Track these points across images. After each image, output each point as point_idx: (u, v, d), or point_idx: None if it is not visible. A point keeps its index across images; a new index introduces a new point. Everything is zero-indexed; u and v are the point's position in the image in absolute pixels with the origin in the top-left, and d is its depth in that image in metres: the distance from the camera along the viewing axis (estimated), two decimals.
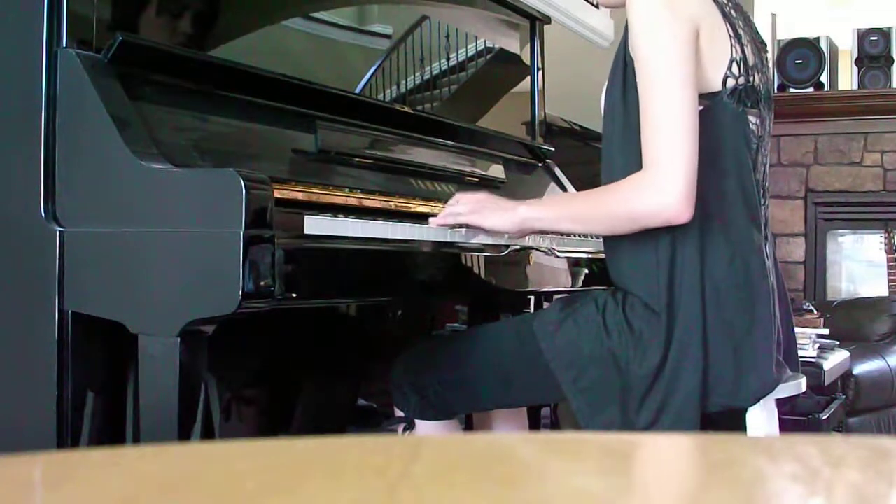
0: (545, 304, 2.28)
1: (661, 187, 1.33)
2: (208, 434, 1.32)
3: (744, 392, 1.42)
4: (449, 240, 1.53)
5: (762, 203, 1.51)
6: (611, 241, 1.50)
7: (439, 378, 1.57)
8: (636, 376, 1.40)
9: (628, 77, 1.43)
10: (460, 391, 1.57)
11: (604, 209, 1.43)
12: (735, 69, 1.43)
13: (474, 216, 1.48)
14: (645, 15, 1.37)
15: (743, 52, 1.45)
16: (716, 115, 1.43)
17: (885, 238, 4.60)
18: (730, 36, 1.44)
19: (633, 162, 1.40)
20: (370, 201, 1.54)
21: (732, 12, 1.47)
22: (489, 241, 1.59)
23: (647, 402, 1.40)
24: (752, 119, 1.48)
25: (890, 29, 5.02)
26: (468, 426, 1.89)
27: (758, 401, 1.44)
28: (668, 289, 1.40)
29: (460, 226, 1.51)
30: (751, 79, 1.46)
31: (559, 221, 1.50)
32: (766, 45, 1.57)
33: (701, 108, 1.42)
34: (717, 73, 1.42)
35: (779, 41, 5.20)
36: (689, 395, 1.38)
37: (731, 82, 1.43)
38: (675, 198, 1.32)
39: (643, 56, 1.37)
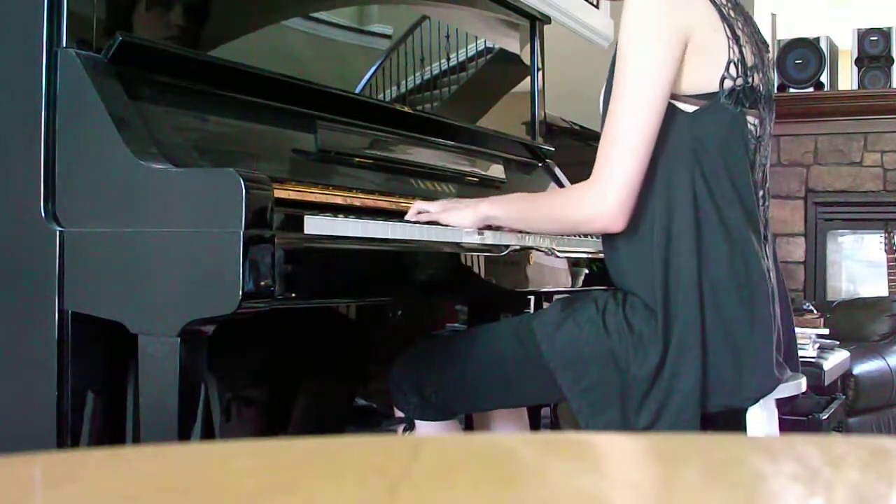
0: (545, 304, 2.28)
1: (598, 199, 1.39)
2: (208, 434, 1.32)
3: (744, 392, 1.42)
4: (449, 240, 1.53)
5: (762, 204, 1.51)
6: (609, 241, 1.51)
7: (439, 378, 1.57)
8: (636, 377, 1.40)
9: None
10: (460, 391, 1.57)
11: (545, 212, 1.53)
12: (732, 70, 1.44)
13: (441, 215, 1.54)
14: (635, 21, 1.39)
15: (741, 52, 1.45)
16: (713, 116, 1.43)
17: (885, 238, 4.60)
18: (727, 37, 1.44)
19: None
20: (370, 201, 1.54)
21: (731, 13, 1.47)
22: (488, 241, 1.60)
23: (647, 403, 1.40)
24: (750, 120, 1.48)
25: (890, 29, 5.03)
26: (468, 426, 1.89)
27: (758, 401, 1.44)
28: (664, 289, 1.40)
29: (429, 223, 1.55)
30: (749, 79, 1.46)
31: (510, 220, 1.58)
32: (767, 45, 1.57)
33: (697, 108, 1.43)
34: (714, 74, 1.43)
35: (779, 41, 5.21)
36: (689, 395, 1.38)
37: (728, 83, 1.43)
38: (609, 210, 1.39)
39: (621, 66, 1.41)
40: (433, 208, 1.55)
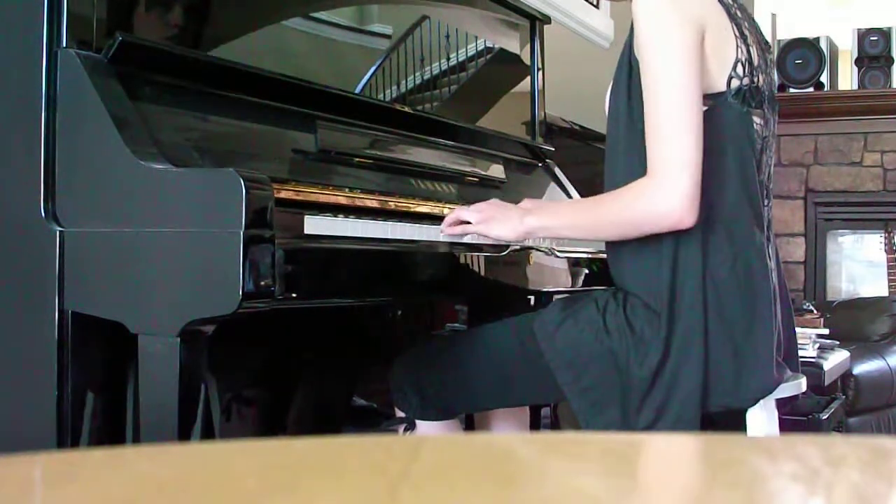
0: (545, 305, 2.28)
1: (666, 193, 1.34)
2: (208, 434, 1.32)
3: (744, 392, 1.42)
4: (449, 240, 1.53)
5: (765, 204, 1.51)
6: (613, 240, 1.50)
7: (440, 378, 1.57)
8: (636, 376, 1.39)
9: (633, 78, 1.43)
10: (461, 391, 1.57)
11: (608, 217, 1.44)
12: (740, 70, 1.43)
13: (482, 226, 1.49)
14: (651, 17, 1.37)
15: (748, 52, 1.45)
16: (720, 116, 1.42)
17: (885, 238, 4.60)
18: (735, 36, 1.44)
19: (637, 163, 1.40)
20: (370, 201, 1.54)
21: (738, 13, 1.47)
22: (489, 241, 1.59)
23: (648, 403, 1.39)
24: (756, 120, 1.47)
25: (890, 29, 5.02)
26: (468, 426, 1.89)
27: (758, 401, 1.44)
28: (669, 289, 1.40)
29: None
30: (755, 79, 1.46)
31: (564, 230, 1.52)
32: (769, 46, 1.57)
33: (705, 108, 1.42)
34: (722, 73, 1.42)
35: (779, 41, 5.20)
36: (690, 395, 1.38)
37: (735, 83, 1.43)
38: (680, 203, 1.33)
39: (648, 60, 1.37)
40: (473, 217, 1.50)
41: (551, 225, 1.49)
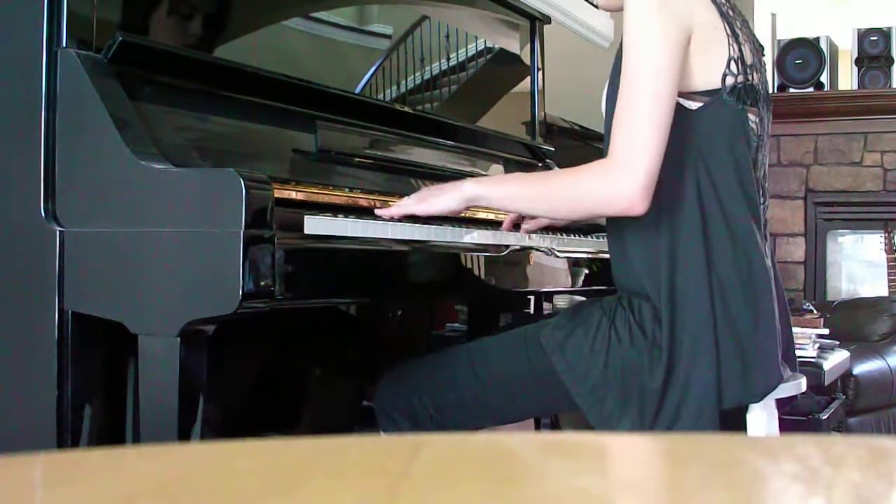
0: (545, 304, 2.28)
1: (623, 176, 1.33)
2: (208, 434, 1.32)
3: (750, 388, 1.41)
4: (449, 240, 1.53)
5: (762, 202, 1.51)
6: (614, 240, 1.50)
7: (434, 402, 1.52)
8: (651, 380, 1.37)
9: None
10: (459, 413, 1.52)
11: (558, 191, 1.43)
12: (733, 67, 1.44)
13: (420, 205, 1.47)
14: (638, 16, 1.38)
15: (741, 50, 1.45)
16: (716, 112, 1.43)
17: (885, 238, 4.60)
18: (727, 35, 1.44)
19: None
20: (370, 201, 1.54)
21: (730, 12, 1.48)
22: (489, 240, 1.59)
23: (665, 405, 1.37)
24: (751, 117, 1.48)
25: (890, 29, 5.03)
26: None
27: (765, 395, 1.43)
28: (671, 286, 1.39)
29: (408, 217, 1.48)
30: (749, 77, 1.46)
31: (507, 199, 1.49)
32: (763, 48, 1.58)
33: (701, 104, 1.42)
34: (716, 70, 1.43)
35: (779, 41, 5.21)
36: (706, 392, 1.36)
37: (730, 80, 1.43)
38: (633, 188, 1.32)
39: (628, 52, 1.38)
40: (409, 200, 1.47)
41: (493, 193, 1.46)
